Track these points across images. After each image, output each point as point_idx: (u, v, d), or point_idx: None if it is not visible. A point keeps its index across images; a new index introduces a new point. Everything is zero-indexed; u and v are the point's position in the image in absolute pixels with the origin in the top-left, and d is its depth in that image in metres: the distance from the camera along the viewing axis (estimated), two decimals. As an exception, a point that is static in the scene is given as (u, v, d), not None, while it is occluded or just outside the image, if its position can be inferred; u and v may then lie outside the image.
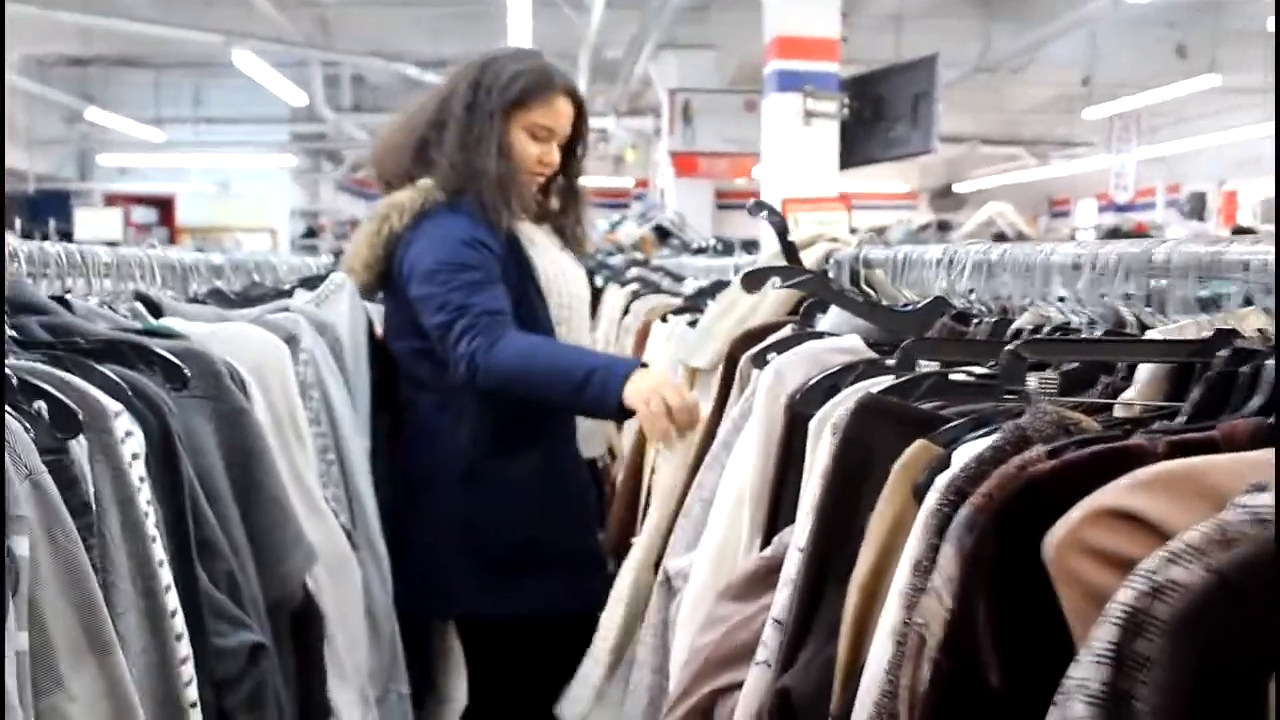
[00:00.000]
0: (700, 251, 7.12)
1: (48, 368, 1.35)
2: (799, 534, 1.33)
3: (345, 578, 2.10)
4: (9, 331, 1.56)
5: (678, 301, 3.93)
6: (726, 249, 6.85)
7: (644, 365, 2.43)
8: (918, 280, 2.09)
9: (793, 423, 1.56)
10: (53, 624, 1.14)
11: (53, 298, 1.71)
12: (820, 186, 8.49)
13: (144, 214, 18.12)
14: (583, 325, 2.76)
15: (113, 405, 1.35)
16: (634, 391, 2.27)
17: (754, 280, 2.07)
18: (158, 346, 1.59)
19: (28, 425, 1.20)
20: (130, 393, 1.47)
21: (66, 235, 10.47)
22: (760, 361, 1.71)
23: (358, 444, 2.35)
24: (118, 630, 1.21)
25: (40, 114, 16.53)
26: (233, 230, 18.18)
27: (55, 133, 17.34)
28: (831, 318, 1.96)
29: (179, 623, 1.36)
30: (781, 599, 1.33)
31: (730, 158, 13.24)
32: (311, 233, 19.68)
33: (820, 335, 1.78)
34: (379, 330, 2.70)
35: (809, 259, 2.53)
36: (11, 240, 1.78)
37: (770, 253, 2.85)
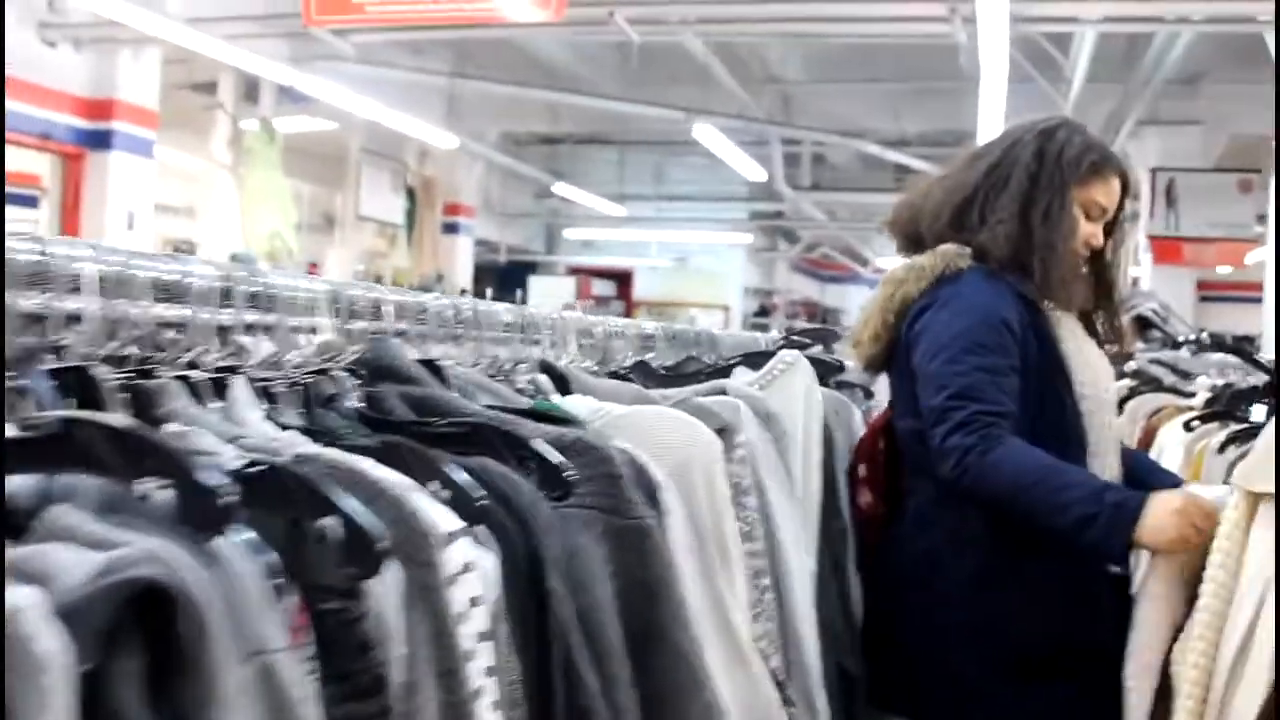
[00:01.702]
0: (1180, 345, 6.32)
1: (362, 463, 0.92)
2: None
3: (773, 747, 1.60)
4: (353, 402, 1.17)
5: (1189, 403, 3.24)
6: (1217, 345, 5.99)
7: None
8: None
9: None
10: None
11: (423, 362, 1.31)
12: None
13: (603, 286, 18.66)
14: (1108, 428, 2.37)
15: (445, 524, 0.91)
16: (1155, 528, 1.99)
17: None
18: (538, 436, 1.14)
19: (309, 557, 0.77)
20: (487, 499, 1.03)
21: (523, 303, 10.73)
22: None
23: (802, 565, 1.85)
24: None
25: (513, 189, 17.39)
26: (687, 305, 18.42)
27: (526, 207, 18.18)
28: None
29: None
30: None
31: (1218, 243, 12.11)
32: (764, 311, 19.69)
33: None
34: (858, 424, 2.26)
35: None
36: (383, 292, 1.40)
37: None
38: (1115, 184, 2.38)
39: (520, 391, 1.57)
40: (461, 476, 1.00)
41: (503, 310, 1.59)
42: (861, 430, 2.75)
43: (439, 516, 0.92)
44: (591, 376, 1.75)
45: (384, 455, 1.00)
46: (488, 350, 1.60)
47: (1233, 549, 1.96)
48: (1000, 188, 2.35)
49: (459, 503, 0.99)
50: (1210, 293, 15.46)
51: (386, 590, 0.86)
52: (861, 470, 2.67)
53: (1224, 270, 16.08)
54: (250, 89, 11.07)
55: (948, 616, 2.26)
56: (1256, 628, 1.87)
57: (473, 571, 0.93)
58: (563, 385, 1.63)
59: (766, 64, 12.71)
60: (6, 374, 0.96)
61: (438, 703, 0.87)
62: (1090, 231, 2.37)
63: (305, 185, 12.74)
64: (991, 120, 9.30)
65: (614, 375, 1.94)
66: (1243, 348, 4.76)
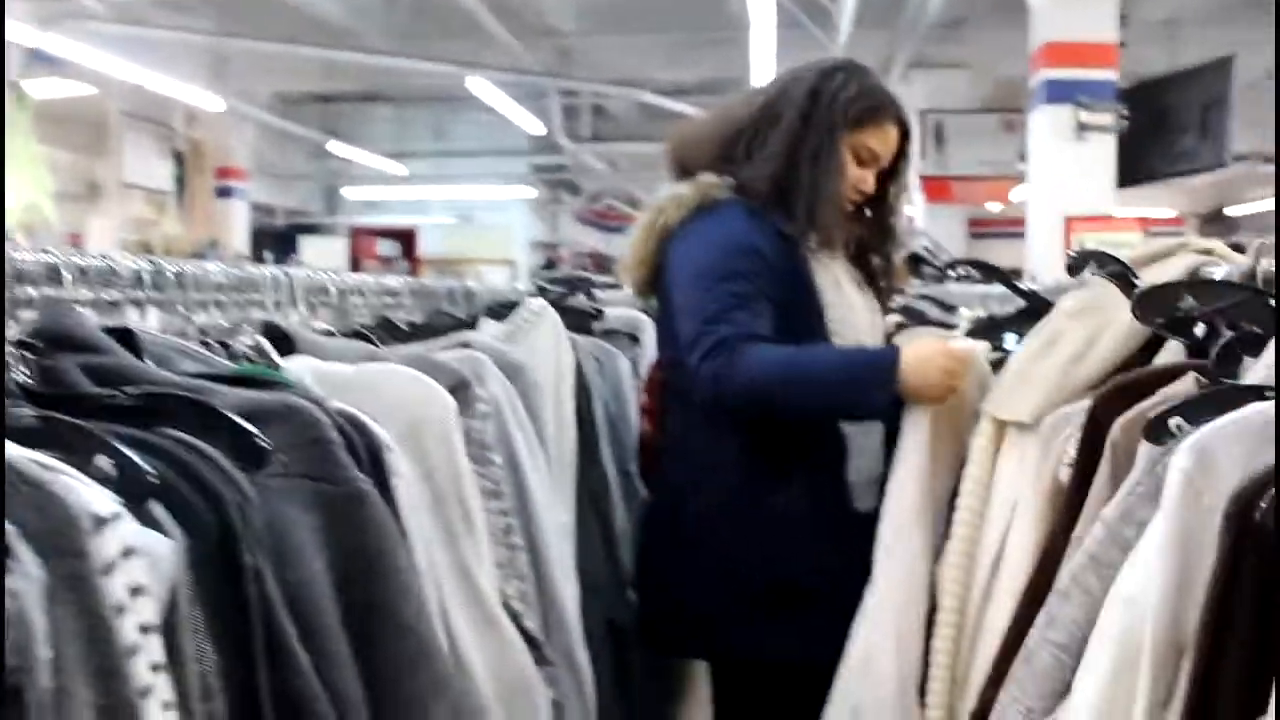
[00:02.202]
0: (958, 280, 6.47)
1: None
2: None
3: (526, 711, 1.54)
4: (19, 376, 1.06)
5: (953, 335, 3.30)
6: (990, 274, 6.15)
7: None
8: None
9: (1240, 539, 0.91)
10: None
11: (111, 330, 1.20)
12: (1094, 207, 7.64)
13: (387, 246, 18.28)
14: None
15: (99, 506, 0.81)
16: (916, 372, 2.09)
17: (1151, 305, 1.42)
18: (235, 402, 1.05)
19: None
20: (161, 475, 0.94)
21: (293, 267, 10.38)
22: (1158, 432, 1.07)
23: (556, 520, 1.80)
24: None
25: (289, 150, 16.87)
26: (473, 261, 18.22)
27: (303, 168, 17.65)
28: (1265, 363, 1.29)
29: None
30: None
31: (986, 181, 12.57)
32: (550, 264, 19.59)
33: (1259, 391, 1.11)
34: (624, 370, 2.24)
35: (1162, 276, 1.84)
36: (70, 255, 1.28)
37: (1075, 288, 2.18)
38: (891, 131, 2.37)
39: (240, 357, 1.47)
40: (130, 452, 0.90)
41: (215, 270, 1.48)
42: (627, 376, 2.72)
43: (91, 499, 0.82)
44: (324, 336, 1.65)
45: (40, 434, 0.90)
46: (202, 315, 1.48)
47: (982, 475, 1.99)
48: (772, 124, 2.33)
49: (129, 481, 0.89)
50: (980, 229, 15.99)
51: (29, 586, 0.76)
52: (642, 399, 2.67)
53: (994, 208, 16.64)
54: (-6, 51, 10.43)
55: (696, 548, 2.27)
56: (1005, 550, 1.90)
57: (135, 557, 0.83)
58: (287, 348, 1.52)
59: (541, 15, 12.56)
60: None
61: (94, 707, 0.77)
62: (859, 176, 2.36)
63: (64, 153, 12.08)
64: (763, 67, 9.39)
65: (356, 334, 1.85)
66: (1004, 274, 4.88)
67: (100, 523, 0.81)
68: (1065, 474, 1.59)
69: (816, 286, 2.29)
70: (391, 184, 17.47)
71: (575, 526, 2.00)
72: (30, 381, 1.06)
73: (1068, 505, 1.39)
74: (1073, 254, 1.73)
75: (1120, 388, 1.35)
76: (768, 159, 2.30)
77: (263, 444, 1.00)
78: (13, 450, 0.82)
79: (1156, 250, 1.94)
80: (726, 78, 12.53)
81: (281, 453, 1.09)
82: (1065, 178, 7.97)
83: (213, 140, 14.23)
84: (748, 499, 2.25)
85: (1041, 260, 7.59)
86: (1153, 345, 1.77)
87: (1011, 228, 17.86)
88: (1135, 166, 8.04)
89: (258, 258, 13.93)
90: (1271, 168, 17.93)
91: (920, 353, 2.12)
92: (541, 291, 2.56)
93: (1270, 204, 19.44)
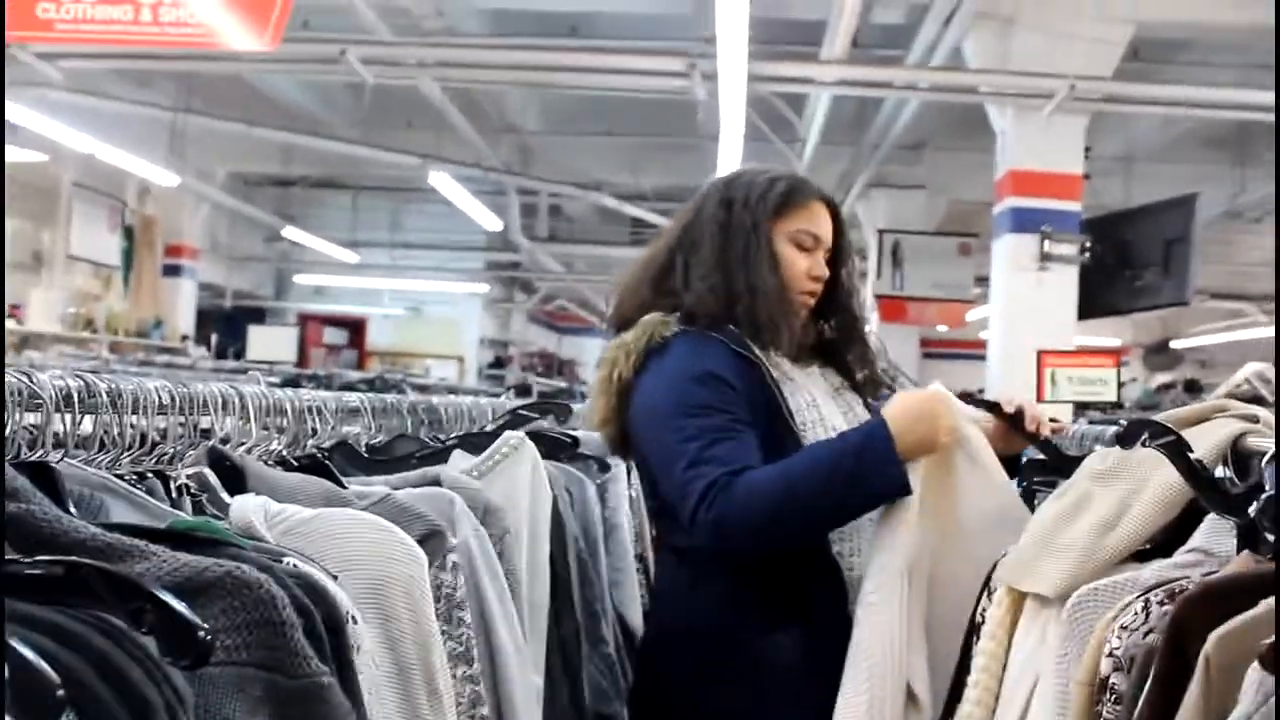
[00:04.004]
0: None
1: None
2: None
3: None
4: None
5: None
6: (977, 404, 6.06)
7: None
8: None
9: None
10: None
11: (27, 465, 1.00)
12: (1056, 337, 7.59)
13: (335, 334, 18.05)
14: None
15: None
16: (910, 431, 1.97)
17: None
18: (162, 571, 0.85)
19: None
20: (85, 671, 0.74)
21: (239, 354, 10.09)
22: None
23: (527, 684, 1.59)
24: None
25: (242, 231, 16.69)
26: (422, 355, 18.00)
27: (255, 250, 17.45)
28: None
29: None
30: None
31: (940, 304, 12.57)
32: (499, 362, 19.41)
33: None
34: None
35: (1202, 445, 1.69)
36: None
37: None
38: (820, 210, 2.29)
39: (181, 491, 1.27)
40: (30, 653, 0.71)
41: (156, 388, 1.28)
42: (595, 506, 2.55)
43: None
44: (274, 469, 1.45)
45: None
46: (137, 437, 1.28)
47: (996, 650, 1.80)
48: (696, 246, 2.25)
49: (30, 694, 0.70)
50: (932, 349, 16.04)
51: None
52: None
53: (943, 329, 16.71)
54: (-57, 115, 10.18)
55: (670, 706, 2.14)
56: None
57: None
58: (236, 481, 1.33)
59: (505, 113, 12.54)
60: None
61: None
62: (808, 264, 2.26)
63: (10, 220, 11.81)
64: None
65: (308, 461, 1.65)
66: (973, 394, 4.79)
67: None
68: (1107, 665, 1.42)
69: (789, 409, 2.14)
70: (343, 272, 17.28)
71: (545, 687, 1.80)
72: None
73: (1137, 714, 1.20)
74: (1123, 423, 1.58)
75: (1209, 592, 1.18)
76: (703, 278, 2.21)
77: (203, 636, 0.80)
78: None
79: (1191, 414, 1.79)
80: (685, 185, 12.52)
81: (227, 635, 0.90)
82: (1029, 307, 7.93)
83: (165, 216, 14.01)
84: (738, 646, 2.08)
85: (1009, 387, 7.52)
86: (1190, 514, 1.62)
87: (963, 349, 18.00)
88: (1096, 299, 8.02)
89: (203, 340, 13.65)
90: (1212, 304, 18.17)
91: (900, 407, 2.01)
92: (517, 418, 2.37)
93: (1214, 338, 19.66)
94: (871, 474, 1.96)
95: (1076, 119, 7.94)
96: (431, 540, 1.36)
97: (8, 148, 10.24)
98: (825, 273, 2.28)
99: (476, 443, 1.84)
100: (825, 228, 2.27)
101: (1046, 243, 7.80)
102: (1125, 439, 1.46)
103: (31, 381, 1.16)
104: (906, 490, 1.97)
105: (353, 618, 1.09)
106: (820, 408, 2.19)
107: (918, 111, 9.59)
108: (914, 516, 1.97)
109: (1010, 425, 2.18)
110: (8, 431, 1.15)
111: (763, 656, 2.07)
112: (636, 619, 2.64)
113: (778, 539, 2.01)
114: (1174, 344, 21.57)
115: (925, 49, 8.26)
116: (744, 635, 2.09)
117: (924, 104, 9.25)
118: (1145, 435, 1.43)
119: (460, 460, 1.76)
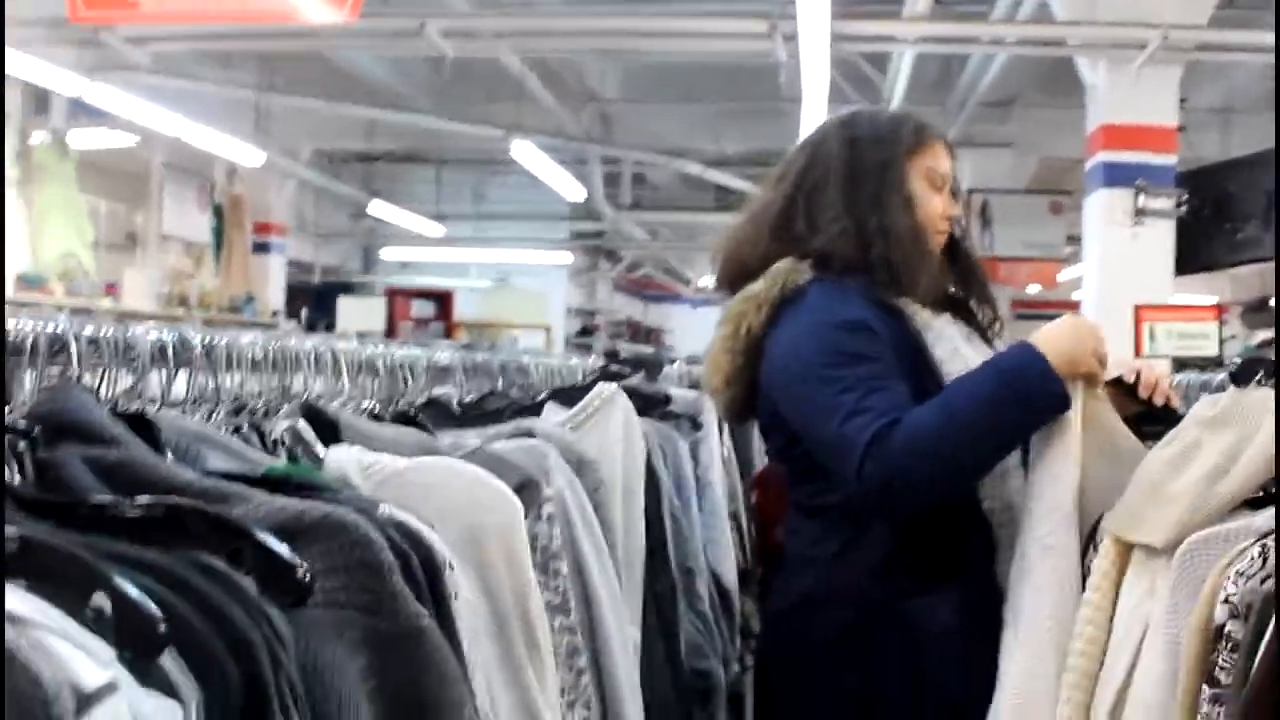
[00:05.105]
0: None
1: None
2: None
3: None
4: (15, 477, 0.86)
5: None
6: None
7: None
8: None
9: None
10: None
11: (126, 415, 1.00)
12: (1153, 294, 7.43)
13: (422, 307, 18.18)
14: None
15: (85, 677, 0.61)
16: (1060, 353, 1.85)
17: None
18: (267, 515, 0.85)
19: None
20: (185, 609, 0.73)
21: (329, 328, 10.20)
22: None
23: (624, 636, 1.58)
24: None
25: (328, 208, 16.85)
26: (509, 326, 18.08)
27: (341, 226, 17.61)
28: None
29: None
30: None
31: (1032, 263, 12.35)
32: (586, 331, 19.47)
33: None
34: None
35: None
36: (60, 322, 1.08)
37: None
38: (944, 148, 2.19)
39: (276, 444, 1.27)
40: (134, 590, 0.70)
41: (249, 343, 1.28)
42: (689, 463, 2.51)
43: (77, 668, 0.62)
44: (370, 421, 1.45)
45: (23, 563, 0.70)
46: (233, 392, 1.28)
47: (1102, 602, 1.75)
48: (819, 188, 2.14)
49: (131, 629, 0.69)
50: (1024, 310, 15.78)
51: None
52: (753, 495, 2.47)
53: (1033, 289, 16.44)
54: (40, 101, 10.37)
55: (808, 674, 2.04)
56: (1129, 690, 1.68)
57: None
58: (331, 433, 1.33)
59: (585, 81, 12.51)
60: None
61: None
62: (942, 204, 2.16)
63: (104, 202, 12.03)
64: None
65: (402, 416, 1.65)
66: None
67: (87, 702, 0.61)
68: (1223, 613, 1.38)
69: (935, 360, 2.04)
70: (429, 245, 17.38)
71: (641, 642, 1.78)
72: (21, 482, 0.86)
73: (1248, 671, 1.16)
74: (1237, 359, 1.53)
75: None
76: (834, 220, 2.10)
77: (303, 576, 0.80)
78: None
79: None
80: (769, 149, 12.41)
81: (325, 578, 0.89)
82: (1124, 263, 7.76)
83: (253, 195, 14.20)
84: (891, 612, 2.00)
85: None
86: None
87: (1055, 309, 17.69)
88: (1194, 254, 7.83)
89: (293, 314, 13.85)
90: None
91: (1046, 329, 1.91)
92: (607, 373, 2.35)
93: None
94: (1032, 390, 1.85)
95: (1170, 69, 7.73)
96: (526, 491, 1.35)
97: (99, 130, 10.42)
98: (958, 212, 2.20)
99: (569, 396, 1.83)
100: (950, 166, 2.18)
101: (1141, 197, 7.61)
102: (1240, 377, 1.41)
103: (126, 337, 1.16)
104: (1067, 403, 1.85)
105: (450, 564, 1.08)
106: (966, 357, 2.07)
107: (1004, 67, 9.41)
108: (1077, 448, 1.85)
109: (1125, 393, 2.02)
110: (104, 391, 1.16)
111: (918, 621, 1.99)
112: (731, 578, 2.61)
113: (946, 477, 1.90)
114: (1274, 300, 21.05)
115: (1011, 2, 8.09)
116: (898, 599, 2.00)
117: (1010, 59, 9.07)
118: (1260, 373, 1.38)
119: (553, 413, 1.75)
